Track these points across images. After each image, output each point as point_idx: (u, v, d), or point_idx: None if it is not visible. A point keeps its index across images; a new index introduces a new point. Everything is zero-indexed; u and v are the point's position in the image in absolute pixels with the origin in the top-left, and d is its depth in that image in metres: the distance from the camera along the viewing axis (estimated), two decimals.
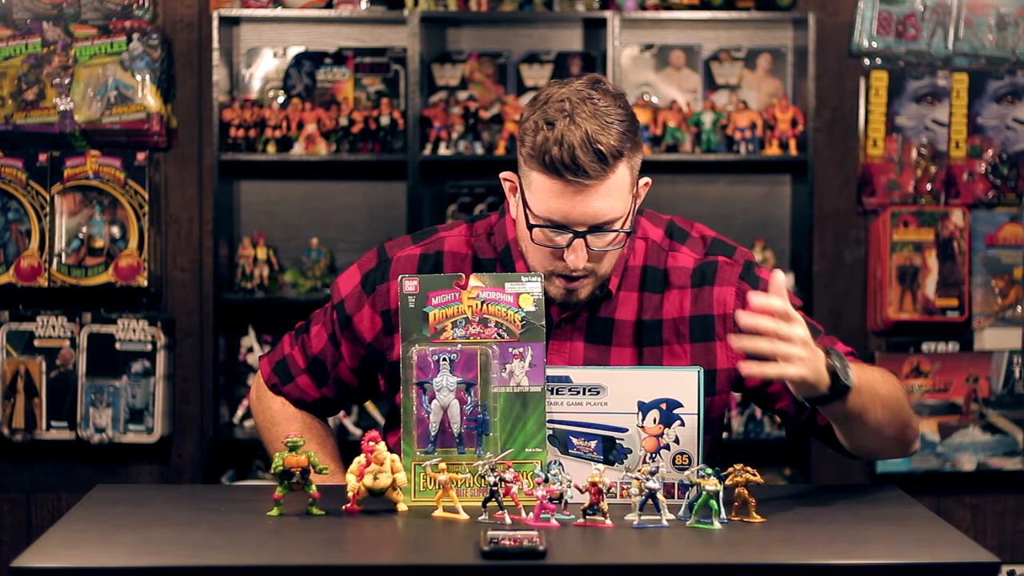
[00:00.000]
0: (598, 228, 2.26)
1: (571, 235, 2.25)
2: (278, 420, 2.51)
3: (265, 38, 4.51)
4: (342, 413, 4.37)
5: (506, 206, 2.41)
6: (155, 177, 4.42)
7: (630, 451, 2.17)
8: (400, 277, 2.21)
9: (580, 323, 2.36)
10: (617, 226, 2.27)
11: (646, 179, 2.37)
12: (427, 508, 2.11)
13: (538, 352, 2.18)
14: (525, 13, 4.40)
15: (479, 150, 4.36)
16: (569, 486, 2.06)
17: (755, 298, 2.11)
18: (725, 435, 4.41)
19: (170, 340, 4.42)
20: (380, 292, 2.39)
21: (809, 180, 4.34)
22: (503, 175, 2.37)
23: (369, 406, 4.41)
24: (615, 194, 2.26)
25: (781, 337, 2.10)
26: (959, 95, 4.48)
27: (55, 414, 4.39)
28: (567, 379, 2.19)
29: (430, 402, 2.16)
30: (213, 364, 4.37)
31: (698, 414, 2.17)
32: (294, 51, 4.48)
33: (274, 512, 2.08)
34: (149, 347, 4.38)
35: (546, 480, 2.05)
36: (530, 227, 2.27)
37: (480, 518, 2.05)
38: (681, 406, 2.17)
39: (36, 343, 4.39)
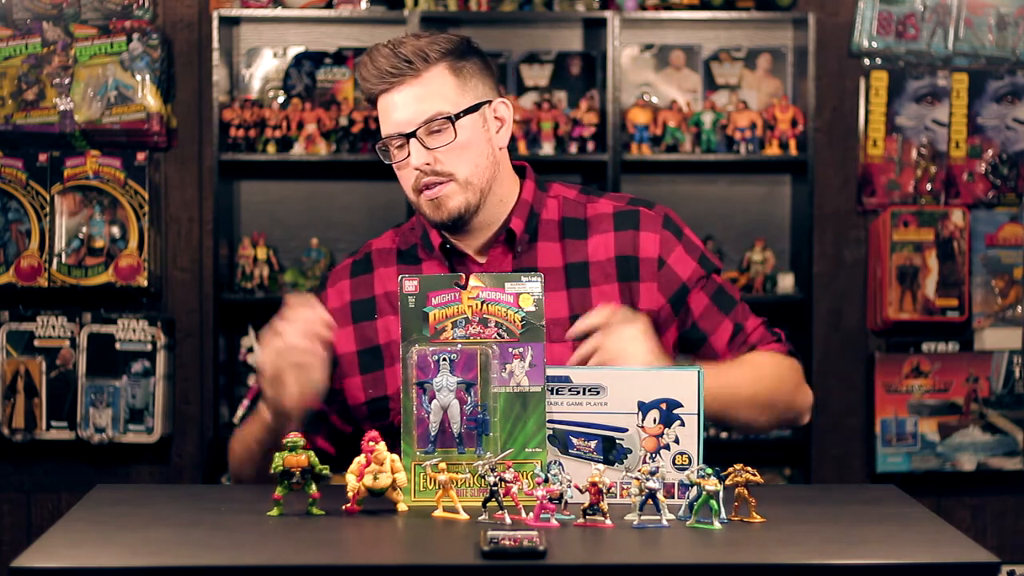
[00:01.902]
0: (424, 126, 2.35)
1: (403, 139, 2.36)
2: (237, 433, 2.52)
3: (265, 38, 4.51)
4: None
5: None
6: (155, 177, 4.42)
7: (630, 451, 2.17)
8: (400, 277, 2.22)
9: None
10: (444, 121, 2.37)
11: (502, 99, 2.46)
12: (427, 508, 2.11)
13: (538, 352, 2.18)
14: (525, 13, 4.40)
15: None
16: (569, 486, 2.06)
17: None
18: (725, 435, 4.42)
19: (170, 340, 4.42)
20: (320, 299, 2.46)
21: (809, 180, 4.34)
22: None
23: None
24: (433, 93, 2.36)
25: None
26: (959, 95, 4.48)
27: (55, 414, 4.39)
28: (567, 379, 2.19)
29: (430, 402, 2.16)
30: (213, 364, 4.37)
31: (698, 414, 2.18)
32: (294, 51, 4.49)
33: (274, 512, 2.08)
34: (149, 347, 4.38)
35: (546, 480, 2.05)
36: (380, 150, 2.39)
37: (480, 518, 2.05)
38: (681, 406, 2.17)
39: (36, 343, 4.39)
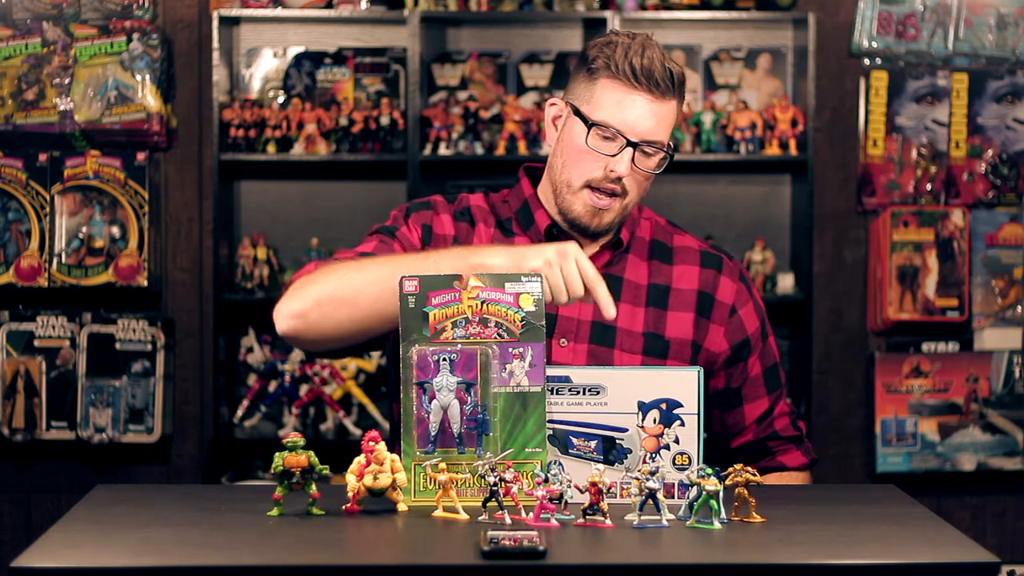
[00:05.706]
0: (648, 145, 2.39)
1: (624, 142, 2.38)
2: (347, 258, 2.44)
3: (265, 38, 4.51)
4: (342, 413, 4.37)
5: (520, 172, 2.58)
6: (155, 177, 4.42)
7: (630, 451, 2.17)
8: (400, 277, 2.22)
9: None
10: (660, 152, 2.41)
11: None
12: (427, 508, 2.11)
13: (538, 352, 2.18)
14: (525, 13, 4.40)
15: (479, 150, 4.36)
16: (569, 486, 2.06)
17: None
18: None
19: (170, 340, 4.42)
20: (418, 216, 2.51)
21: (809, 180, 4.34)
22: (552, 100, 2.51)
23: (369, 406, 4.41)
24: (666, 122, 2.42)
25: None
26: (959, 95, 4.48)
27: (55, 414, 4.39)
28: (567, 379, 2.19)
29: (430, 402, 2.16)
30: (213, 364, 4.37)
31: (698, 414, 2.18)
32: (294, 51, 4.48)
33: (274, 512, 2.08)
34: (149, 347, 4.38)
35: (546, 480, 2.05)
36: (589, 126, 2.39)
37: (480, 518, 2.05)
38: (681, 406, 2.17)
39: (36, 343, 4.39)
